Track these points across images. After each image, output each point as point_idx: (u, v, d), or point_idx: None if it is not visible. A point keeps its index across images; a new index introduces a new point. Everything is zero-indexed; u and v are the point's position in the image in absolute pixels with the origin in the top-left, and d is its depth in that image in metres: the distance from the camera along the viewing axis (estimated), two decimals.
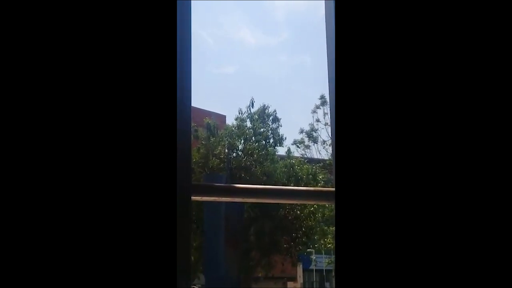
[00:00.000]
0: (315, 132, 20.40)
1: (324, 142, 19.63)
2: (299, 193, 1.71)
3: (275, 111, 17.61)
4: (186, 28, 1.31)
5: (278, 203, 15.44)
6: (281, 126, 17.54)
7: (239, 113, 17.42)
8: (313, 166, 17.65)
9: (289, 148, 18.14)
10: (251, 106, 17.41)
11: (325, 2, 1.48)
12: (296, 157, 18.30)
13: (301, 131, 20.45)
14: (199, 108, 17.29)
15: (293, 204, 15.72)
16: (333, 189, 1.30)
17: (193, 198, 1.30)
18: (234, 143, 16.65)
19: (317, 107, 20.85)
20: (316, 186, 16.10)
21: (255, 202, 15.03)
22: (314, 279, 25.00)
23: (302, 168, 16.87)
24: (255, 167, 16.10)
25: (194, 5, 1.34)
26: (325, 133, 20.40)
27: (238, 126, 17.07)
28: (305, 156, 19.59)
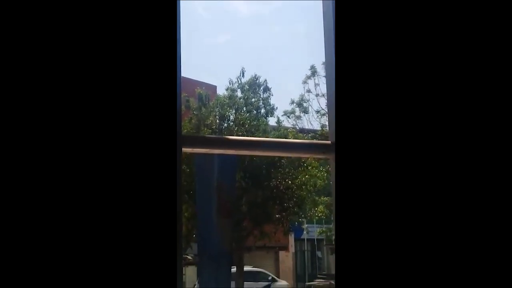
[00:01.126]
0: (306, 103, 20.35)
1: (317, 112, 19.58)
2: (294, 145, 1.70)
3: (265, 80, 17.51)
4: None
5: (269, 172, 15.52)
6: (272, 95, 17.48)
7: (230, 83, 17.32)
8: (305, 136, 17.67)
9: (279, 118, 18.11)
10: (241, 76, 17.31)
11: (322, 2, 1.44)
12: (288, 128, 18.31)
13: (292, 102, 20.40)
14: (190, 79, 17.15)
15: (284, 174, 15.79)
16: (329, 142, 1.28)
17: (184, 149, 1.27)
18: (225, 114, 16.60)
19: (308, 77, 20.75)
20: (310, 157, 16.13)
21: (246, 173, 15.09)
22: (306, 248, 25.34)
23: (296, 138, 16.86)
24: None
25: None
26: (317, 103, 20.37)
27: (229, 97, 16.99)
28: (296, 127, 19.59)
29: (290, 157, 15.73)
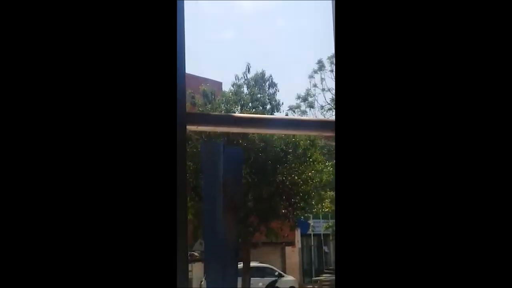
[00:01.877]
0: (311, 97, 20.32)
1: (322, 107, 19.56)
2: (301, 123, 1.70)
3: (271, 76, 17.46)
4: None
5: (275, 168, 15.50)
6: (278, 91, 17.43)
7: (236, 79, 17.30)
8: None
9: (287, 114, 18.08)
10: (247, 72, 17.27)
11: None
12: None
13: (298, 97, 20.37)
14: (195, 75, 17.13)
15: (290, 169, 15.77)
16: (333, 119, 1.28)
17: (189, 127, 1.26)
18: (231, 110, 16.57)
19: (315, 71, 20.70)
20: (315, 152, 16.13)
21: (252, 168, 15.09)
22: (312, 244, 25.31)
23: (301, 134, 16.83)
24: (252, 134, 16.09)
25: None
26: (322, 98, 20.33)
27: (235, 93, 16.97)
28: None
29: (296, 153, 15.68)
